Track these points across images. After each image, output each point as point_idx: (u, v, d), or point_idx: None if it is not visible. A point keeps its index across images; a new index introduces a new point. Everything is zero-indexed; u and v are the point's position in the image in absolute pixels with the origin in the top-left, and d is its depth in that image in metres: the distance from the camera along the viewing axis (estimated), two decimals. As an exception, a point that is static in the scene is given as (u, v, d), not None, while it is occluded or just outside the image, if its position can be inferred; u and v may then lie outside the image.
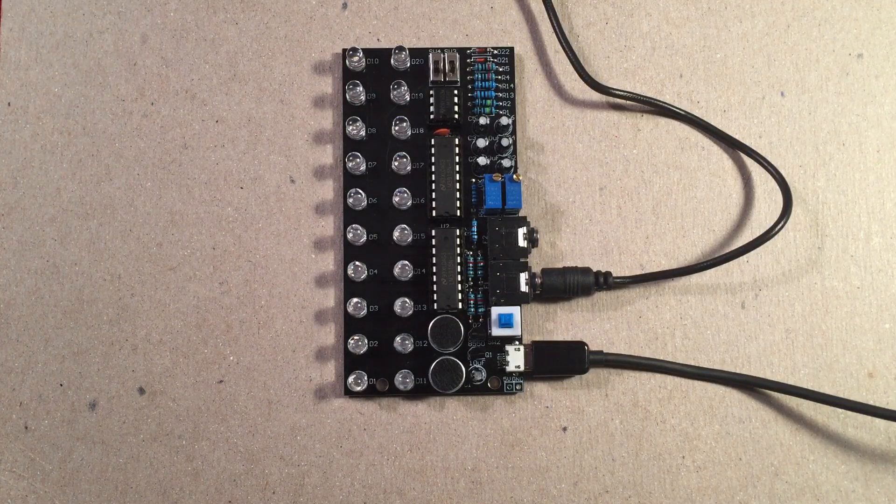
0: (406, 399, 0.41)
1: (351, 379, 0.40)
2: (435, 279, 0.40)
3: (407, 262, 0.40)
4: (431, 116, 0.41)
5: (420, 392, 0.40)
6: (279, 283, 0.41)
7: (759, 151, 0.42)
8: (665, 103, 0.42)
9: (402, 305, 0.40)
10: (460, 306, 0.40)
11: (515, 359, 0.39)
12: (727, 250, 0.41)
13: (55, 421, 0.40)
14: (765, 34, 0.44)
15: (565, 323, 0.41)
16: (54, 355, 0.40)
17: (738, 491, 0.40)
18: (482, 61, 0.42)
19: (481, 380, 0.40)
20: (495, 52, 0.42)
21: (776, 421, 0.41)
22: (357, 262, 0.40)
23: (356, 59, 0.41)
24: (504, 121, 0.41)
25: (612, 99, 0.43)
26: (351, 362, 0.40)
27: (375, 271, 0.41)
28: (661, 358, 0.41)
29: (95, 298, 0.41)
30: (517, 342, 0.40)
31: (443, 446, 0.40)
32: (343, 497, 0.40)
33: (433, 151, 0.41)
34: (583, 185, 0.42)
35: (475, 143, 0.41)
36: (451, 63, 0.42)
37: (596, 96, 0.43)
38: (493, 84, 0.42)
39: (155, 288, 0.41)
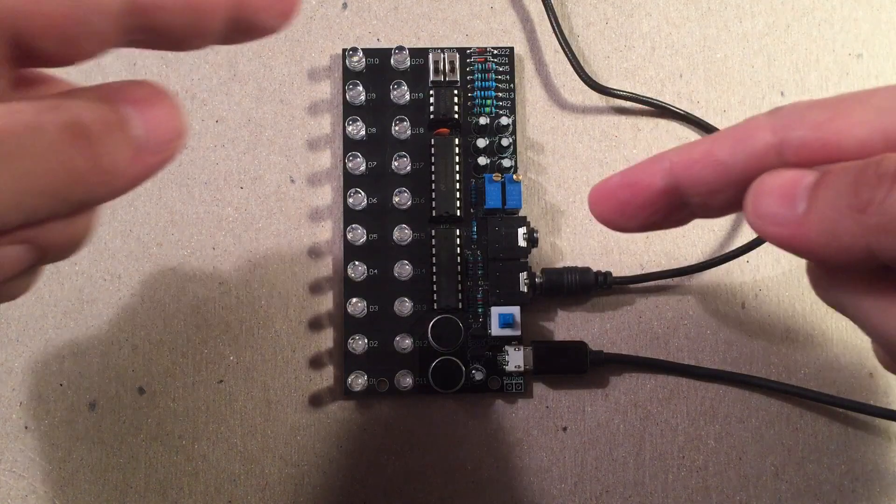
0: (406, 399, 0.40)
1: (351, 379, 0.40)
2: (435, 279, 0.40)
3: (407, 262, 0.40)
4: (431, 116, 0.41)
5: (420, 392, 0.40)
6: (279, 283, 0.41)
7: (759, 151, 0.42)
8: (665, 103, 0.42)
9: (402, 305, 0.40)
10: (460, 306, 0.40)
11: (515, 359, 0.39)
12: (727, 250, 0.41)
13: (55, 421, 0.40)
14: (765, 34, 0.44)
15: (565, 323, 0.41)
16: (54, 355, 0.40)
17: (739, 491, 0.40)
18: (482, 61, 0.42)
19: (481, 380, 0.40)
20: (495, 52, 0.42)
21: (776, 421, 0.41)
22: (357, 262, 0.40)
23: (356, 58, 0.41)
24: (504, 121, 0.41)
25: (611, 99, 0.43)
26: (350, 362, 0.40)
27: (375, 271, 0.41)
28: (661, 358, 0.41)
29: (95, 298, 0.41)
30: (517, 342, 0.40)
31: (443, 446, 0.40)
32: (343, 497, 0.40)
33: (433, 151, 0.41)
34: (583, 186, 0.42)
35: (475, 143, 0.41)
36: (451, 63, 0.42)
37: (596, 96, 0.43)
38: (493, 84, 0.42)
39: (155, 288, 0.41)
